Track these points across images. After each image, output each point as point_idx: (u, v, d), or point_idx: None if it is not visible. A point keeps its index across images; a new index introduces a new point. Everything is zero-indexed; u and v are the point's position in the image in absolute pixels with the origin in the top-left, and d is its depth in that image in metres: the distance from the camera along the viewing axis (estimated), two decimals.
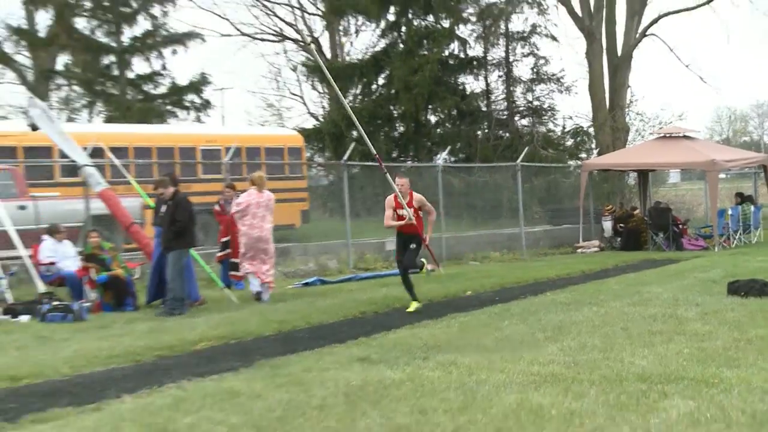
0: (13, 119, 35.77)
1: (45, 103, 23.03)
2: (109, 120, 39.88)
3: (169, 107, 43.21)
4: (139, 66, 43.22)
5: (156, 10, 43.01)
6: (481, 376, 8.61)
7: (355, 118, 15.77)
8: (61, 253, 16.34)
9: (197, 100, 43.71)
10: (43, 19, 43.46)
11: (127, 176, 18.75)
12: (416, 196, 14.52)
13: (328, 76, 16.21)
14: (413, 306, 14.44)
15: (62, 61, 43.24)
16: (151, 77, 43.41)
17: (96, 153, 19.13)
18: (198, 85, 43.44)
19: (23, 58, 43.85)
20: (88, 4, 42.61)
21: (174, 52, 43.27)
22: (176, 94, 43.37)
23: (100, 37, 42.64)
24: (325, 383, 8.60)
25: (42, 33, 42.84)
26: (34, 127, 18.05)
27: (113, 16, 42.17)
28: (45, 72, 42.41)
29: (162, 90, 43.40)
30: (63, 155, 19.31)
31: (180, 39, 43.15)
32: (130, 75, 43.07)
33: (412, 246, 14.51)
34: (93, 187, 17.77)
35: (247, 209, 16.32)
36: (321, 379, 8.87)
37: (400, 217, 14.36)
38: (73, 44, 41.98)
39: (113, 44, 42.35)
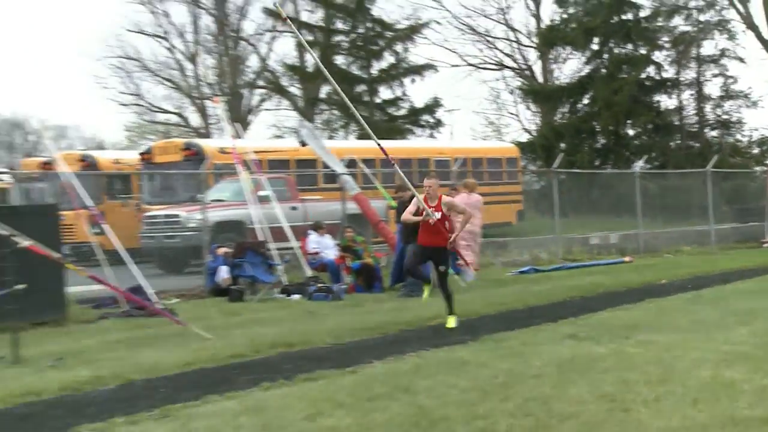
0: (287, 138, 37.19)
1: (311, 124, 23.82)
2: (360, 137, 40.73)
3: (408, 126, 43.73)
4: (384, 93, 44.07)
5: (399, 47, 43.73)
6: (677, 353, 8.20)
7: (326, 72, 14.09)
8: (323, 245, 16.75)
9: (431, 120, 44.07)
10: (311, 58, 45.05)
11: (375, 183, 19.06)
12: (445, 199, 11.40)
13: (310, 51, 14.03)
14: (452, 321, 11.03)
15: (324, 90, 44.58)
16: (394, 102, 44.07)
17: (350, 164, 19.55)
18: (431, 107, 43.77)
19: (295, 89, 45.65)
20: (345, 45, 43.79)
21: (413, 80, 43.78)
22: (414, 115, 43.86)
23: (354, 70, 43.69)
24: (540, 356, 8.43)
25: (310, 69, 44.35)
26: (303, 144, 18.67)
27: (365, 53, 43.11)
28: (311, 100, 43.88)
29: (402, 112, 43.98)
30: (325, 166, 19.84)
31: (417, 70, 43.60)
32: (378, 100, 43.89)
33: (442, 268, 11.26)
34: (348, 191, 18.18)
35: None
36: (536, 352, 8.69)
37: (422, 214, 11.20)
38: (334, 77, 43.11)
39: (364, 76, 43.26)
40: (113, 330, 11.74)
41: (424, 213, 11.00)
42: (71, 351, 9.78)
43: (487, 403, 6.51)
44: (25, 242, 9.65)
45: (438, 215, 11.01)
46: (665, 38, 42.25)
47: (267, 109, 48.39)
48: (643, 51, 41.82)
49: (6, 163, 58.79)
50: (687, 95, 42.74)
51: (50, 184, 22.14)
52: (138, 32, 47.11)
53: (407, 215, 11.59)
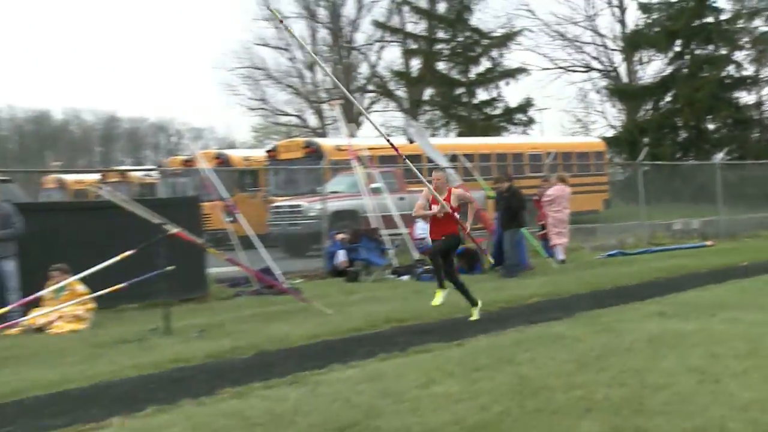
0: (393, 136, 37.31)
1: (418, 123, 23.82)
2: (460, 134, 40.59)
3: (503, 124, 43.30)
4: (481, 94, 43.75)
5: (495, 53, 43.35)
6: (762, 330, 7.84)
7: (320, 63, 10.12)
8: (428, 231, 16.70)
9: (523, 118, 43.49)
10: (415, 64, 45.11)
11: (475, 175, 18.92)
12: (455, 191, 10.16)
13: (296, 37, 8.53)
14: (474, 313, 9.84)
15: (427, 93, 44.55)
16: (490, 102, 43.69)
17: (453, 158, 19.46)
18: (524, 106, 43.22)
19: (401, 92, 45.78)
20: (446, 52, 43.66)
21: (507, 83, 43.35)
22: (508, 114, 43.38)
23: (454, 74, 43.51)
24: (631, 331, 8.22)
25: (414, 74, 44.39)
26: (411, 141, 18.62)
27: (463, 59, 42.87)
28: (416, 101, 43.88)
29: (498, 111, 43.55)
30: (429, 160, 19.78)
31: (511, 73, 43.12)
32: (475, 101, 43.60)
33: (443, 240, 9.97)
34: (451, 183, 18.06)
35: (554, 199, 16.43)
36: (627, 328, 8.48)
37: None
38: (435, 81, 43.13)
39: (463, 79, 43.04)
40: (247, 306, 12.00)
41: (439, 206, 9.76)
42: (212, 324, 10.05)
43: (584, 374, 6.40)
44: (173, 229, 9.94)
45: (447, 207, 9.83)
46: (745, 39, 40.60)
47: (376, 111, 48.64)
48: (723, 51, 40.30)
49: (153, 161, 60.82)
50: (766, 91, 41.14)
51: (191, 179, 22.76)
52: (264, 45, 47.91)
53: (418, 209, 10.23)
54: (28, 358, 8.35)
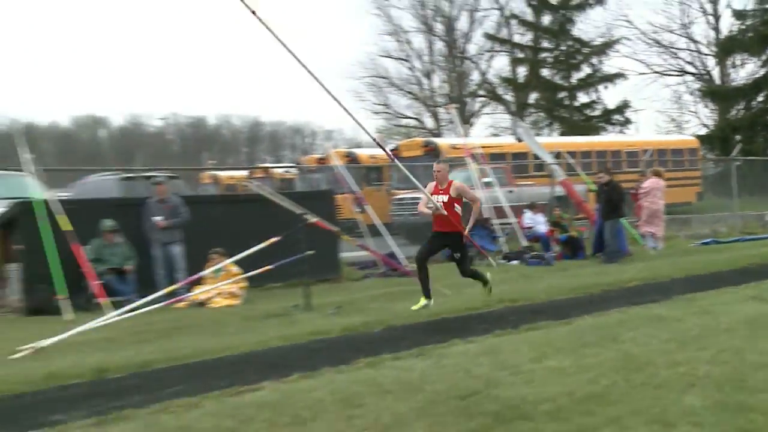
0: (502, 136, 36.83)
1: (526, 123, 23.41)
2: (562, 134, 39.71)
3: (601, 124, 42.08)
4: (582, 97, 42.65)
5: (594, 60, 42.22)
6: None
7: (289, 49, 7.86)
8: (536, 221, 16.44)
9: (621, 119, 42.16)
10: (522, 71, 44.36)
11: (577, 170, 18.45)
12: (455, 184, 8.94)
13: (268, 27, 8.11)
14: (421, 303, 8.74)
15: (533, 97, 43.79)
16: (590, 105, 42.56)
17: (557, 155, 19.03)
18: (621, 108, 41.88)
19: (509, 97, 45.19)
20: (550, 60, 42.81)
21: (606, 87, 42.14)
22: (606, 115, 42.15)
23: (557, 80, 42.60)
24: (728, 313, 7.81)
25: (521, 80, 43.73)
26: (519, 140, 18.36)
27: (566, 66, 41.92)
28: (522, 105, 43.19)
29: (597, 113, 42.37)
30: (535, 157, 19.42)
31: (610, 78, 41.88)
32: (576, 104, 42.55)
33: (457, 255, 8.98)
34: (556, 177, 17.72)
35: (650, 191, 15.84)
36: (724, 310, 8.05)
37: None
38: (540, 86, 42.34)
39: (565, 84, 42.06)
40: (374, 286, 12.11)
41: (434, 206, 8.77)
42: (345, 302, 10.18)
43: (685, 352, 6.13)
44: (312, 219, 10.13)
45: (446, 198, 8.79)
46: None
47: (486, 113, 48.23)
48: None
49: (291, 159, 62.27)
50: None
51: (324, 174, 23.12)
52: (387, 56, 48.27)
53: (421, 207, 9.10)
54: (193, 329, 8.70)
